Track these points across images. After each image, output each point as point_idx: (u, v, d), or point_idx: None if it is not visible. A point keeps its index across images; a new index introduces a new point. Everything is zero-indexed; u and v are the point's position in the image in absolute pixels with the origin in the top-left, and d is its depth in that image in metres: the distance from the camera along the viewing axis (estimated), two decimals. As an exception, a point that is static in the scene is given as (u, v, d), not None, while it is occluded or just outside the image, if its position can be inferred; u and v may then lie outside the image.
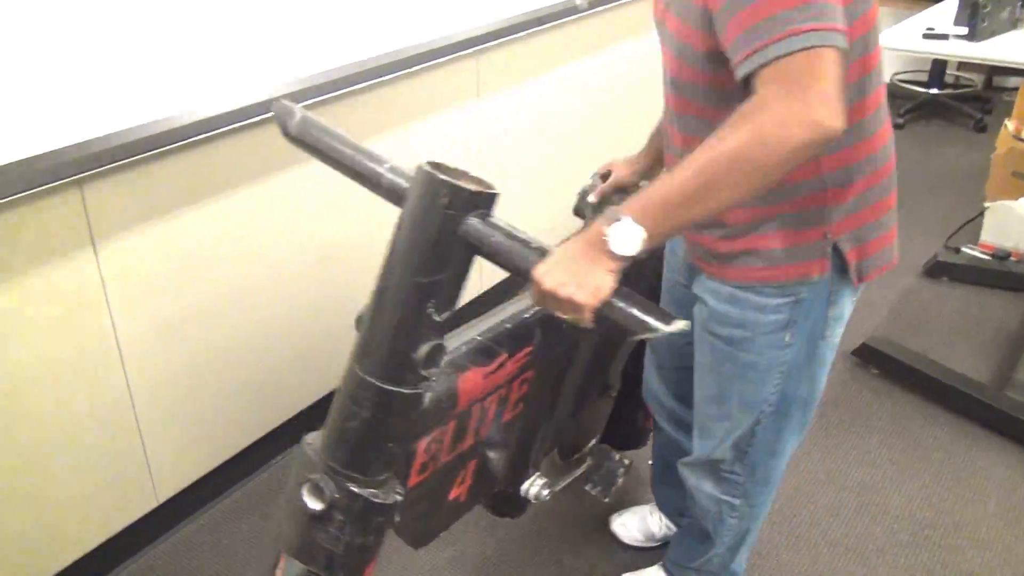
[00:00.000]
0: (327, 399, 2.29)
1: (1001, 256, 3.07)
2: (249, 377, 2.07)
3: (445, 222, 1.04)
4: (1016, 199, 3.07)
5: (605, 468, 1.86)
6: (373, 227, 2.25)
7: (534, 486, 1.60)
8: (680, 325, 0.96)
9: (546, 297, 1.00)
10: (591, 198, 1.65)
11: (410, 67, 2.10)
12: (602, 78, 2.93)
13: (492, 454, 1.49)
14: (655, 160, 1.60)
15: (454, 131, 2.39)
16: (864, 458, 2.27)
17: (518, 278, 1.06)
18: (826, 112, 0.90)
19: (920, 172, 3.96)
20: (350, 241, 2.20)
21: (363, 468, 1.15)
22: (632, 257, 0.98)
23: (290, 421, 2.23)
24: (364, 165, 1.18)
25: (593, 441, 1.89)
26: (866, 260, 1.24)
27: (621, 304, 0.99)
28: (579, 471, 1.82)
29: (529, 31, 2.43)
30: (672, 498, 1.81)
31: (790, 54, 0.91)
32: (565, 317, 1.01)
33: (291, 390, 2.21)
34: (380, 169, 1.16)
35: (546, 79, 2.66)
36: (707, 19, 1.04)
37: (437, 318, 1.09)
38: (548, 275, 0.99)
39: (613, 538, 2.00)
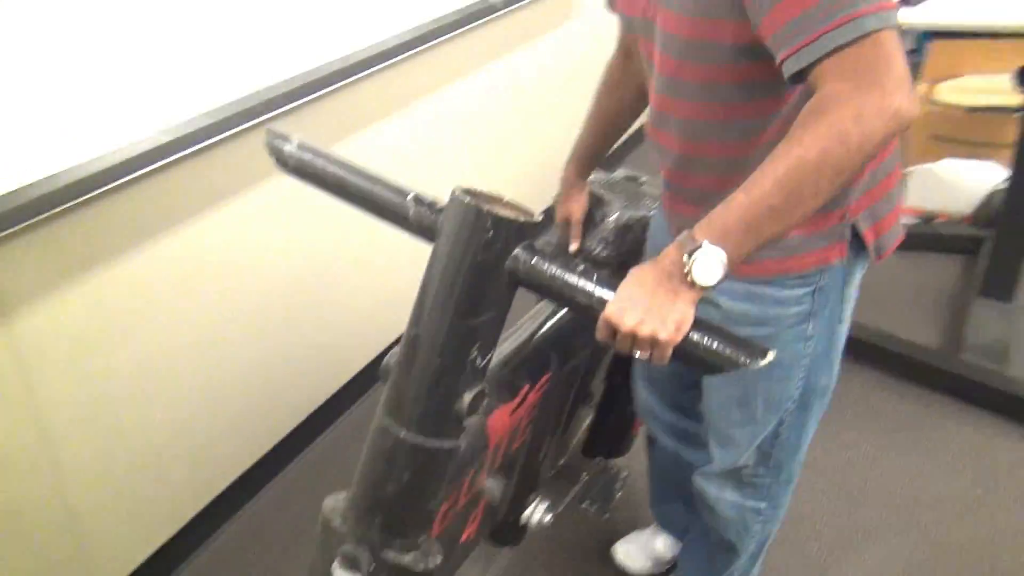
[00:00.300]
0: (272, 455, 2.17)
1: (928, 219, 3.12)
2: (189, 443, 1.88)
3: (490, 257, 0.93)
4: (936, 161, 3.12)
5: (601, 482, 1.77)
6: (311, 275, 2.10)
7: (536, 511, 1.52)
8: (772, 356, 0.87)
9: (624, 337, 0.89)
10: (572, 247, 1.55)
11: (331, 85, 1.94)
12: (525, 75, 2.83)
13: (499, 484, 1.39)
14: (588, 168, 1.53)
15: (381, 144, 2.24)
16: (835, 440, 2.24)
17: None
18: (902, 98, 0.83)
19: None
20: (292, 288, 2.04)
21: (402, 532, 1.05)
22: (715, 287, 0.89)
23: (233, 485, 2.05)
24: (383, 196, 1.04)
25: (567, 452, 1.80)
26: (883, 236, 1.19)
27: (705, 339, 0.89)
28: (577, 488, 1.73)
29: (450, 34, 2.30)
30: (676, 514, 1.73)
31: (853, 42, 0.84)
32: (642, 357, 0.90)
33: (233, 452, 2.04)
34: (404, 200, 1.02)
35: (470, 81, 2.54)
36: (736, 8, 0.94)
37: (480, 362, 0.98)
38: (626, 313, 0.88)
39: (617, 569, 1.88)
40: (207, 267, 1.81)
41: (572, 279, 0.92)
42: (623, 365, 1.68)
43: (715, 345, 0.88)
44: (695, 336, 0.88)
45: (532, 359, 1.29)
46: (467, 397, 0.98)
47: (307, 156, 1.09)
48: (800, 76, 0.89)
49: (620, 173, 1.69)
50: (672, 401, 1.55)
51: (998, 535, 1.96)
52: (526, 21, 2.74)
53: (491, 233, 0.92)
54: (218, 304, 1.86)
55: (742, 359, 0.87)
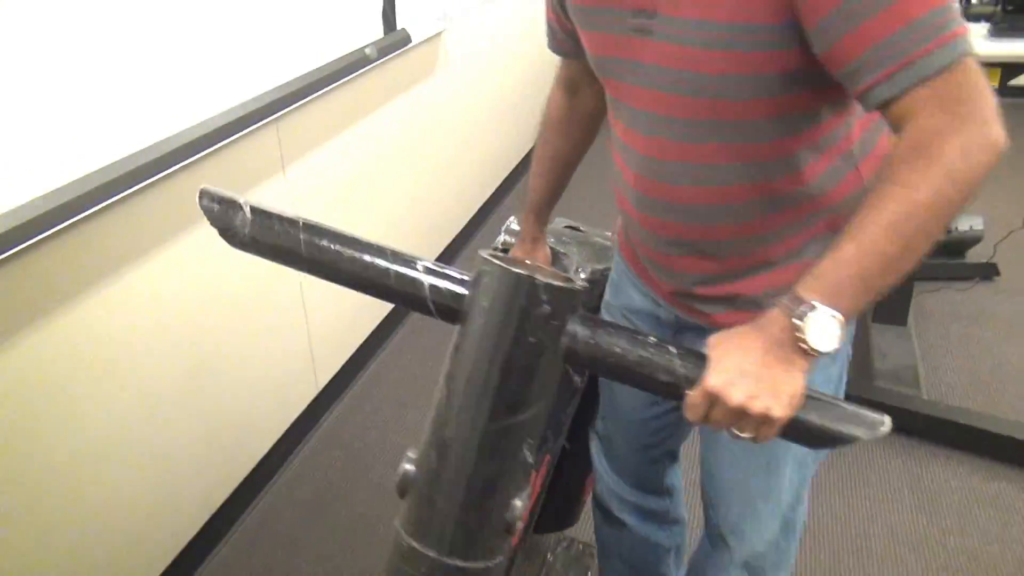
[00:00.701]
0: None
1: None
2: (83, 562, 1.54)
3: (545, 336, 0.74)
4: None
5: (565, 559, 1.58)
6: (196, 372, 1.81)
7: None
8: (889, 424, 0.74)
9: (728, 414, 0.74)
10: None
11: (202, 150, 1.68)
12: (404, 124, 2.66)
13: None
14: (547, 216, 1.37)
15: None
16: (773, 484, 2.16)
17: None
18: (999, 129, 0.76)
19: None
20: (175, 389, 1.73)
21: None
22: (831, 353, 0.76)
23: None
24: (382, 270, 0.81)
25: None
26: None
27: (817, 413, 0.75)
28: (543, 570, 1.53)
29: (325, 89, 2.10)
30: None
31: (948, 67, 0.75)
32: (744, 436, 0.76)
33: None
34: (414, 274, 0.80)
35: (350, 135, 2.33)
36: (784, 35, 0.83)
37: (531, 460, 0.79)
38: (733, 387, 0.74)
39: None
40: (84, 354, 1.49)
41: (649, 354, 0.76)
42: (574, 429, 1.50)
43: (828, 420, 0.75)
44: (807, 409, 0.75)
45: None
46: (518, 504, 0.78)
47: (266, 224, 0.84)
48: (882, 104, 0.80)
49: (559, 223, 1.54)
50: (636, 480, 1.41)
51: (952, 561, 1.92)
52: (396, 73, 2.58)
53: (546, 307, 0.74)
54: (107, 395, 1.53)
55: (859, 432, 0.74)
